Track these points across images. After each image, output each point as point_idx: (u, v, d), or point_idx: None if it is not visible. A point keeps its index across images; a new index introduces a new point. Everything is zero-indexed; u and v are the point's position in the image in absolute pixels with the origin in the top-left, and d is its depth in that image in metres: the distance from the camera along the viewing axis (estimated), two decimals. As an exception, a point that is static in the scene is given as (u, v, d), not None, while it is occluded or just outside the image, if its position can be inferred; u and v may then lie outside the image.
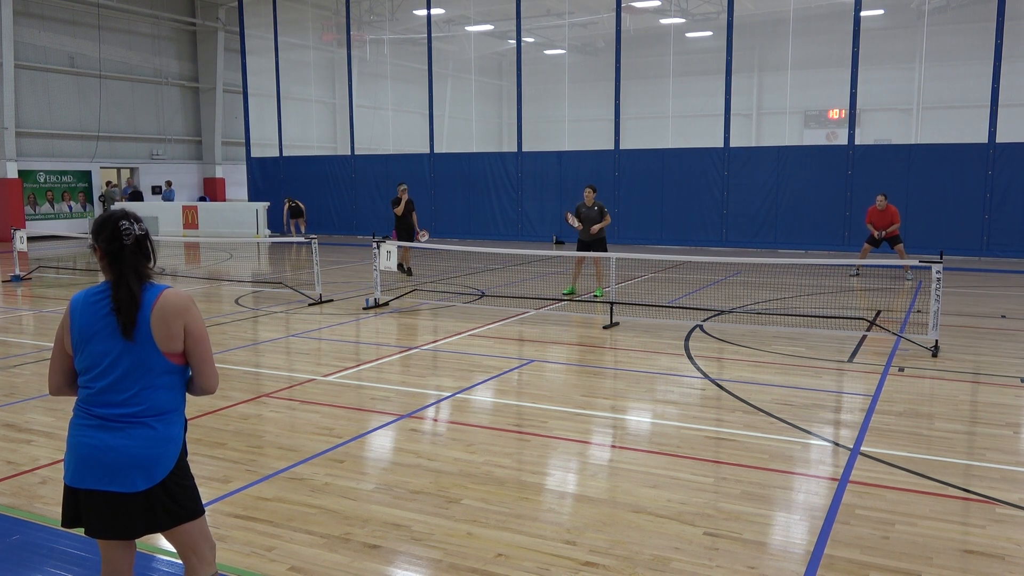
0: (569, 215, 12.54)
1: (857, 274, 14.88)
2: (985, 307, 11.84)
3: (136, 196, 28.77)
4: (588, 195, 12.53)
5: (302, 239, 14.30)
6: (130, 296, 2.77)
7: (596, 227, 12.35)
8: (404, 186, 15.67)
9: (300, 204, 25.17)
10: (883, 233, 14.43)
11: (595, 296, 12.33)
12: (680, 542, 4.24)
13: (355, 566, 4.01)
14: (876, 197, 14.67)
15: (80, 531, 2.96)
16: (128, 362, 2.80)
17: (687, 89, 23.75)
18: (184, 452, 2.96)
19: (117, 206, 22.46)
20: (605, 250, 12.48)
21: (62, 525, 2.95)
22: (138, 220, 2.87)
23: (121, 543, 2.99)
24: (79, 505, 2.87)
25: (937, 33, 20.34)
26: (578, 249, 12.56)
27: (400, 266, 15.04)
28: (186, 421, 3.01)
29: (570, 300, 12.21)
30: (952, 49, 20.72)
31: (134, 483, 2.80)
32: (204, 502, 4.76)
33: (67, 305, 2.90)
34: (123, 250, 2.79)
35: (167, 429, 2.88)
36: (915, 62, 20.84)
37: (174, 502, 2.89)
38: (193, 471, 5.31)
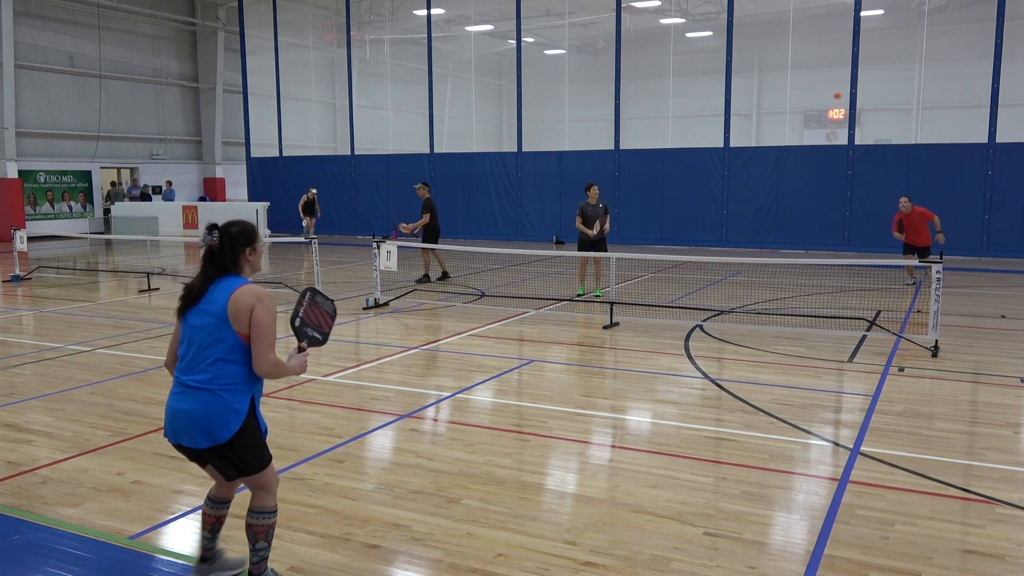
0: (582, 226, 12.22)
1: (915, 282, 13.77)
2: (985, 307, 11.84)
3: (145, 196, 28.77)
4: (594, 193, 12.28)
5: (301, 239, 14.25)
6: (200, 285, 3.48)
7: (607, 225, 12.28)
8: (428, 185, 15.14)
9: (316, 199, 23.86)
10: (941, 237, 12.98)
11: (595, 296, 12.29)
12: (680, 542, 4.24)
13: (355, 566, 4.01)
14: (899, 201, 13.28)
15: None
16: (206, 336, 3.41)
17: (687, 89, 23.76)
18: (251, 421, 3.49)
19: (118, 205, 22.27)
20: (606, 249, 12.43)
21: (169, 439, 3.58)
22: (219, 228, 3.52)
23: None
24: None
25: (937, 33, 20.33)
26: (581, 249, 12.44)
27: (444, 274, 14.77)
28: (252, 397, 3.51)
29: (576, 301, 12.18)
30: (952, 49, 20.73)
31: (199, 442, 3.43)
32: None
33: None
34: (208, 251, 3.50)
35: (232, 398, 3.42)
36: (915, 62, 20.84)
37: (239, 459, 3.50)
38: (193, 471, 5.32)
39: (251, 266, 3.61)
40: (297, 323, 3.64)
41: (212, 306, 3.42)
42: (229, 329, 3.40)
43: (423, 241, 14.33)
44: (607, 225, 12.30)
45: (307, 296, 3.72)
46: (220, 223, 3.56)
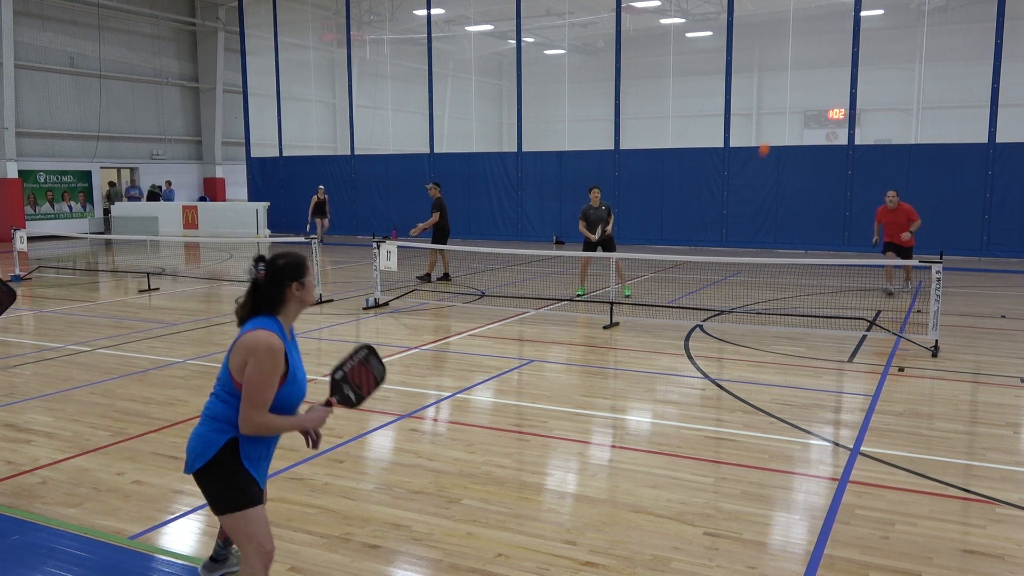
0: (585, 230, 12.26)
1: (898, 288, 12.86)
2: (985, 307, 11.84)
3: (153, 196, 28.73)
4: (595, 196, 12.35)
5: (302, 239, 14.20)
6: (239, 321, 3.38)
7: (609, 229, 12.28)
8: (439, 185, 15.06)
9: (326, 198, 23.29)
10: (908, 236, 12.33)
11: (625, 296, 12.23)
12: (680, 542, 4.24)
13: (355, 566, 4.01)
14: (886, 194, 12.60)
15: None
16: (221, 370, 3.35)
17: (687, 89, 23.76)
18: (225, 459, 3.26)
19: (118, 205, 22.21)
20: (615, 249, 12.41)
21: None
22: (264, 262, 3.28)
23: None
24: None
25: (937, 33, 20.33)
26: (584, 250, 12.45)
27: (446, 275, 14.72)
28: (236, 439, 3.27)
29: (576, 301, 12.18)
30: (952, 49, 20.72)
31: (185, 465, 3.36)
32: (205, 502, 4.76)
33: None
34: (253, 284, 3.31)
35: (212, 434, 3.27)
36: (915, 62, 20.84)
37: (210, 493, 3.31)
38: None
39: (298, 302, 3.34)
40: (338, 376, 3.42)
41: (232, 345, 3.31)
42: (225, 368, 3.29)
43: (432, 241, 14.33)
44: (609, 228, 12.30)
45: (361, 353, 3.48)
46: (268, 256, 3.31)
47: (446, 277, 14.70)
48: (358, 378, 3.46)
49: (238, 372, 3.22)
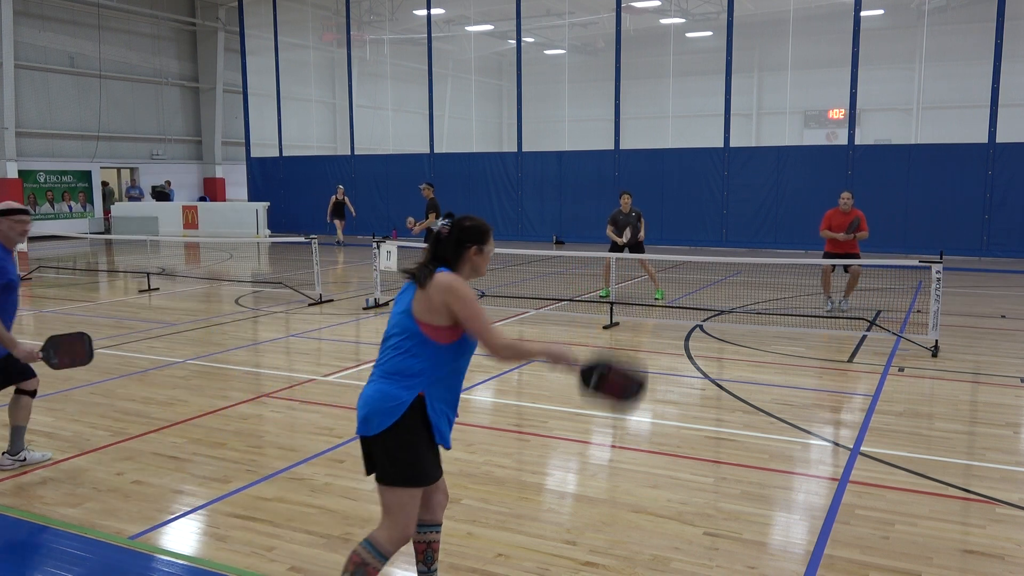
0: (612, 233, 12.22)
1: (835, 306, 11.33)
2: (985, 307, 11.84)
3: (163, 196, 28.71)
4: (626, 201, 12.28)
5: (302, 239, 14.16)
6: (411, 272, 3.26)
7: (642, 235, 12.30)
8: (432, 186, 15.04)
9: (347, 199, 22.74)
10: (846, 236, 10.88)
11: (656, 299, 12.19)
12: (680, 542, 4.24)
13: (355, 566, 4.01)
14: (841, 196, 11.13)
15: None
16: (396, 322, 3.22)
17: (687, 89, 23.75)
18: (412, 421, 3.11)
19: (118, 205, 22.25)
20: (642, 252, 12.35)
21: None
22: (453, 220, 3.33)
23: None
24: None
25: (937, 33, 20.33)
26: (611, 250, 12.36)
27: None
28: (426, 395, 3.15)
29: (576, 301, 12.17)
30: (952, 49, 20.72)
31: (360, 427, 3.19)
32: (204, 502, 4.78)
33: None
34: (435, 238, 3.32)
35: (399, 390, 3.12)
36: (915, 62, 20.84)
37: (384, 459, 3.13)
38: (193, 471, 5.33)
39: (473, 267, 3.31)
40: (602, 370, 3.24)
41: (406, 295, 3.24)
42: (409, 317, 3.17)
43: (425, 241, 14.23)
44: (641, 234, 12.31)
45: (628, 372, 3.29)
46: (454, 216, 3.35)
47: None
48: (614, 385, 3.28)
49: (428, 314, 3.13)
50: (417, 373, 3.14)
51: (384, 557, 3.19)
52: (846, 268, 11.23)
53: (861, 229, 10.92)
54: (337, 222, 22.52)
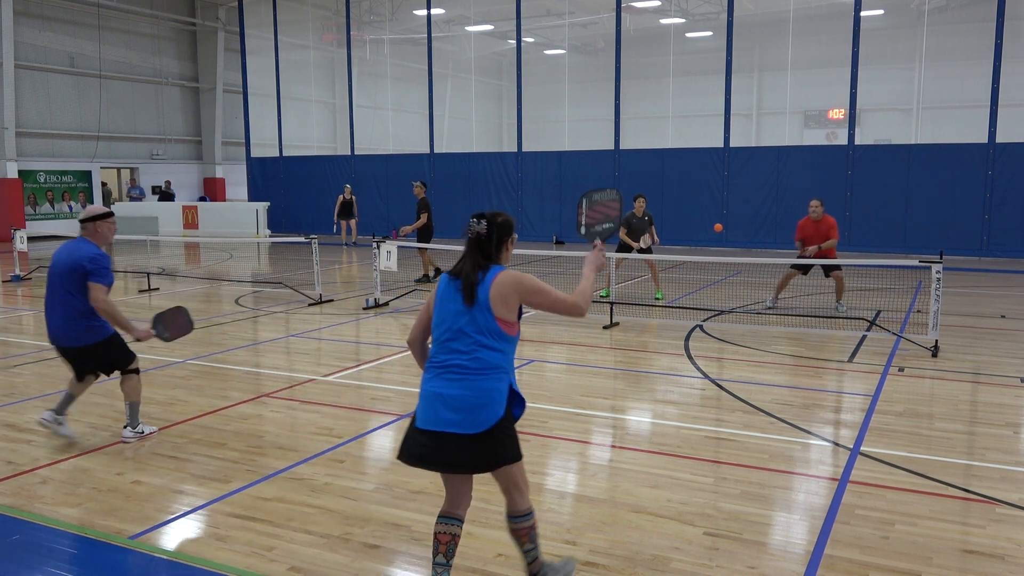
0: (626, 237, 12.13)
1: (773, 306, 11.42)
2: (985, 307, 11.84)
3: (167, 196, 28.69)
4: (640, 205, 12.15)
5: (302, 239, 14.12)
6: (471, 271, 3.50)
7: (656, 239, 12.29)
8: (425, 185, 14.99)
9: (354, 199, 22.55)
10: (815, 249, 10.85)
11: (656, 299, 12.19)
12: (680, 542, 4.24)
13: (355, 566, 4.01)
14: (809, 204, 11.11)
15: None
16: (466, 322, 3.43)
17: (687, 89, 23.74)
18: (510, 405, 3.47)
19: (118, 205, 22.21)
20: (651, 252, 12.35)
21: (398, 458, 3.56)
22: (485, 218, 3.57)
23: (459, 477, 3.57)
24: (420, 443, 3.46)
25: (937, 33, 20.33)
26: (618, 251, 12.29)
27: (437, 270, 14.59)
28: (513, 383, 3.51)
29: (600, 302, 12.11)
30: (952, 49, 20.72)
31: (464, 427, 3.36)
32: (204, 502, 4.79)
33: None
34: (468, 241, 3.58)
35: (498, 384, 3.42)
36: (915, 62, 20.84)
37: (498, 446, 3.40)
38: (193, 471, 5.33)
39: (508, 255, 3.65)
40: (583, 231, 4.03)
41: (482, 292, 3.45)
42: (488, 316, 3.42)
43: (419, 240, 14.21)
44: (656, 238, 12.30)
45: (584, 203, 4.11)
46: (485, 213, 3.59)
47: (425, 279, 14.60)
48: (599, 215, 4.12)
49: (506, 309, 3.45)
50: (502, 365, 3.46)
51: (531, 512, 3.60)
52: (827, 273, 11.25)
53: (830, 237, 10.86)
54: (344, 222, 22.28)
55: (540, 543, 3.68)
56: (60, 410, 5.85)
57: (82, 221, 5.66)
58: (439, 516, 3.58)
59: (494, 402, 3.38)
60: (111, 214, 5.70)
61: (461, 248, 3.69)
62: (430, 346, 3.60)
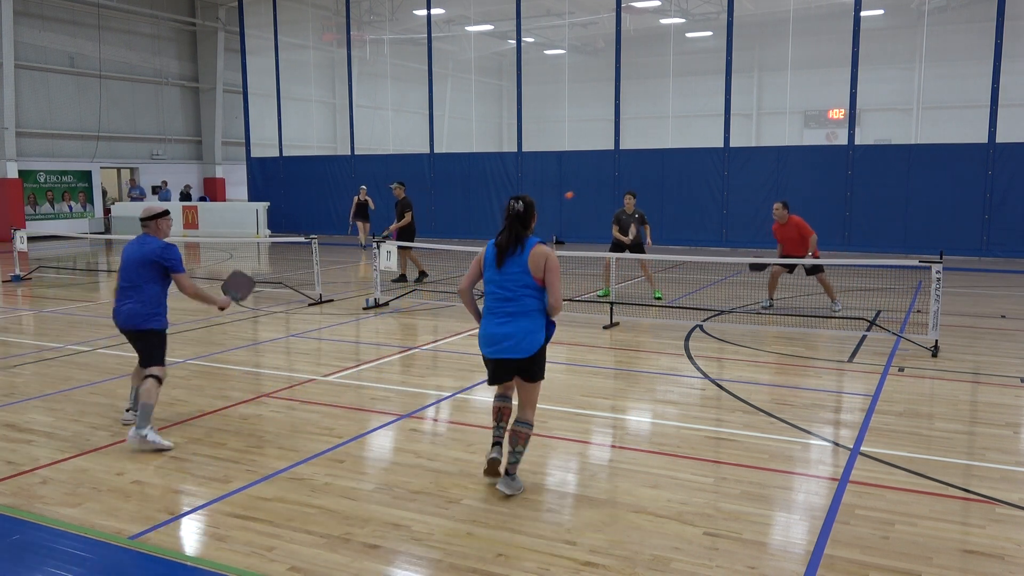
0: (617, 232, 12.26)
1: (769, 306, 11.41)
2: (985, 307, 11.84)
3: (185, 196, 28.64)
4: (629, 202, 12.32)
5: (302, 239, 14.07)
6: (505, 243, 4.90)
7: (649, 241, 12.40)
8: (404, 185, 15.08)
9: (370, 200, 21.62)
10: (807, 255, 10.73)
11: (656, 299, 12.22)
12: (680, 542, 4.24)
13: (355, 566, 4.01)
14: (773, 207, 11.08)
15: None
16: (512, 279, 4.83)
17: (687, 89, 23.74)
18: (546, 339, 4.90)
19: (118, 205, 22.16)
20: (643, 252, 12.38)
21: (488, 383, 5.09)
22: (522, 200, 5.00)
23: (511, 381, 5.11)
24: (493, 366, 4.96)
25: (937, 33, 20.33)
26: (612, 250, 12.33)
27: (403, 277, 14.55)
28: (548, 320, 4.91)
29: (575, 301, 12.15)
30: (952, 49, 20.72)
31: (510, 352, 4.82)
32: (205, 502, 4.80)
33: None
34: (508, 217, 4.94)
35: (543, 320, 4.87)
36: (915, 62, 20.84)
37: (535, 367, 4.91)
38: (193, 471, 5.34)
39: (533, 227, 4.97)
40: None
41: (522, 257, 4.81)
42: (527, 274, 4.79)
43: (399, 239, 13.90)
44: (648, 239, 12.40)
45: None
46: (520, 195, 4.99)
47: (403, 278, 14.52)
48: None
49: (538, 272, 4.81)
50: (540, 309, 4.86)
51: (533, 424, 5.01)
52: (808, 272, 11.22)
53: (804, 237, 10.80)
54: (360, 223, 21.82)
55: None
56: (134, 405, 6.27)
57: (143, 220, 6.12)
58: (495, 396, 5.14)
59: (538, 335, 4.81)
60: (167, 212, 6.21)
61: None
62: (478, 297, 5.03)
